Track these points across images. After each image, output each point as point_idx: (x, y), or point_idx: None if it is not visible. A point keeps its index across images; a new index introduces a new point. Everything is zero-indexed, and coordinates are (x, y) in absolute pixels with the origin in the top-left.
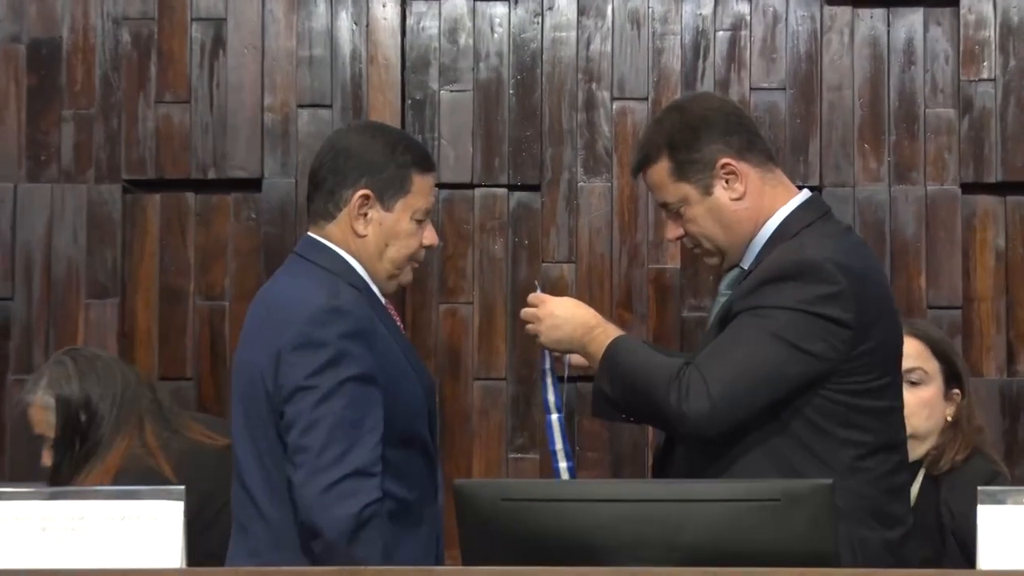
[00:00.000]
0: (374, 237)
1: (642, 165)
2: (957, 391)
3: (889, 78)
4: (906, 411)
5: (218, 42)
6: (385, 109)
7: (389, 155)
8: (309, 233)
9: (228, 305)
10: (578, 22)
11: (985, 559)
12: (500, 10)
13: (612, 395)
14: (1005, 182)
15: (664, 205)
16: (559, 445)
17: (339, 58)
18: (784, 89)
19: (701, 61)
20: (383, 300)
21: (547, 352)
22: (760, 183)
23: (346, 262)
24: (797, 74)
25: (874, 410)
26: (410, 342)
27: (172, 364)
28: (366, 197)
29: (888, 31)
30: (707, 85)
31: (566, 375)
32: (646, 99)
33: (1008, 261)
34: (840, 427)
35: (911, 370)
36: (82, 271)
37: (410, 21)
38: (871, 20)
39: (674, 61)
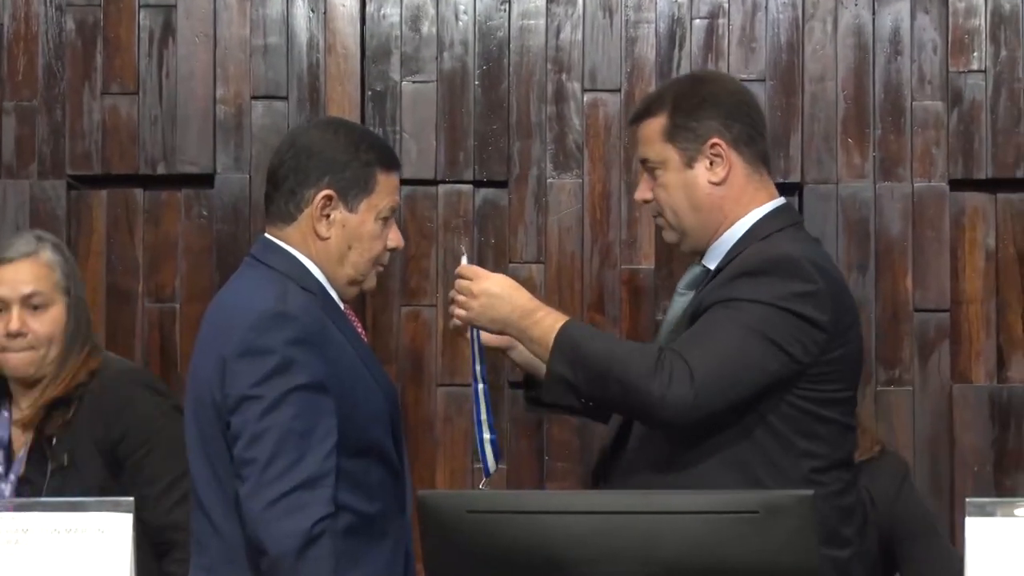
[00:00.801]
0: (336, 240)
1: (642, 116)
2: None
3: (874, 69)
4: None
5: (167, 30)
6: (344, 101)
7: (352, 153)
8: (265, 234)
9: (179, 307)
10: (547, 9)
11: (973, 572)
12: None
13: (575, 380)
14: (995, 179)
15: (644, 161)
16: (484, 415)
17: (295, 47)
18: (764, 80)
19: (677, 51)
20: (341, 305)
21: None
22: (744, 179)
23: (300, 264)
24: (777, 65)
25: (836, 423)
26: (370, 349)
27: None
28: (329, 198)
29: (873, 19)
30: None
31: (476, 349)
32: (619, 91)
33: (998, 262)
34: (801, 437)
35: None
36: None
37: (370, 8)
38: (855, 8)
39: (648, 51)
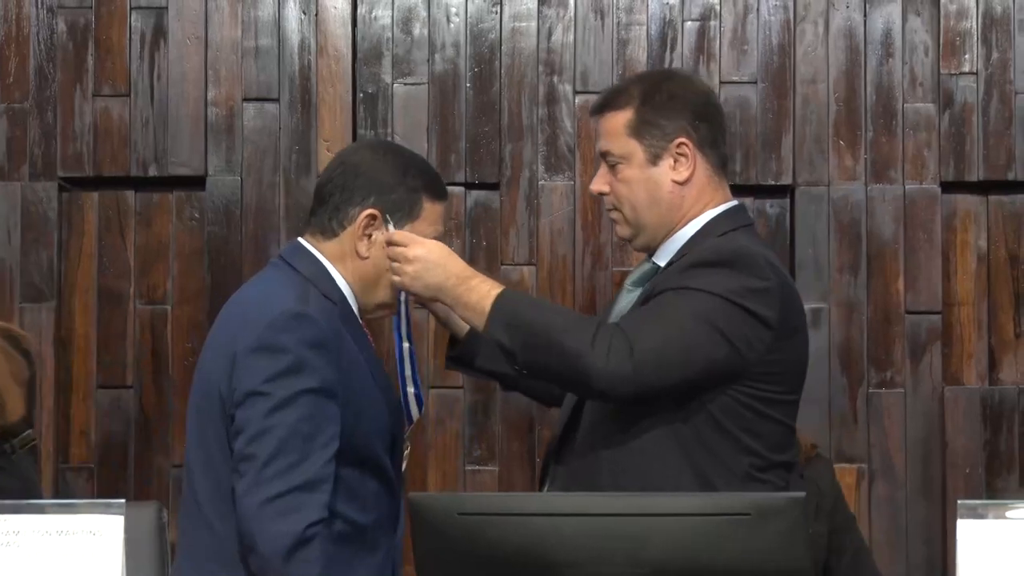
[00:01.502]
0: (375, 260)
1: (606, 108)
2: None
3: (866, 71)
4: None
5: (159, 32)
6: (335, 103)
7: (400, 177)
8: (299, 239)
9: (170, 309)
10: (539, 11)
11: (965, 574)
12: None
13: (511, 347)
14: (987, 181)
15: (604, 154)
16: (409, 372)
17: (287, 49)
18: (755, 83)
19: (668, 53)
20: (360, 319)
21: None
22: (705, 180)
23: (327, 272)
24: (769, 66)
25: (779, 424)
26: (383, 366)
27: (111, 371)
28: (372, 217)
29: (865, 21)
30: None
31: (403, 311)
32: None
33: (990, 264)
34: (744, 433)
35: None
36: (16, 273)
37: (361, 10)
38: (847, 10)
39: (640, 53)
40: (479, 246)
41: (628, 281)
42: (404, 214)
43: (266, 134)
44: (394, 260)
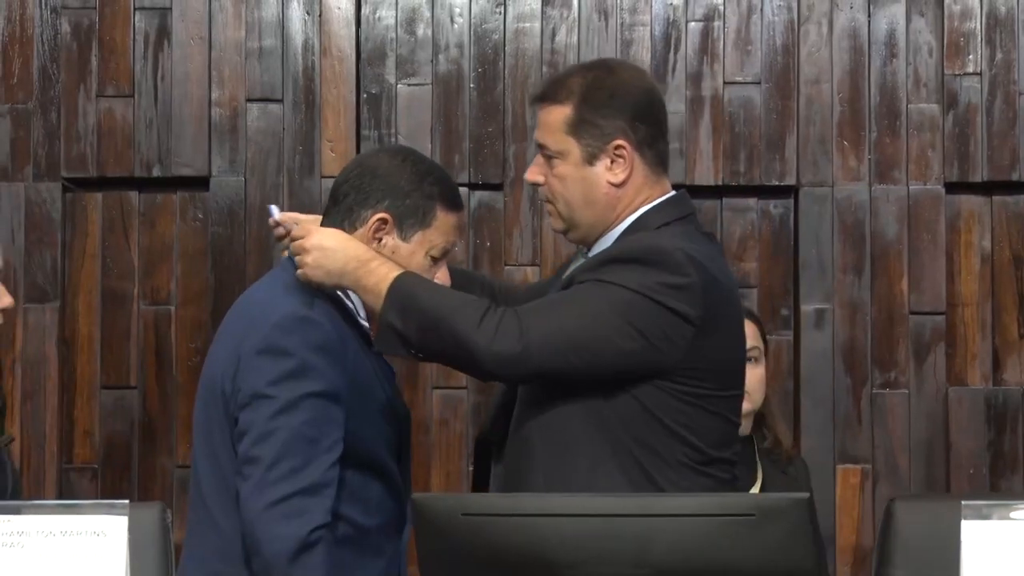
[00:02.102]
0: None
1: (546, 100)
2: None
3: (870, 72)
4: (749, 387)
5: (163, 33)
6: (339, 103)
7: (416, 183)
8: None
9: (174, 310)
10: (542, 12)
11: (969, 575)
12: None
13: (404, 330)
14: (991, 181)
15: (541, 146)
16: None
17: (290, 50)
18: (759, 83)
19: (672, 53)
20: (366, 324)
21: None
22: (642, 180)
23: None
24: (773, 67)
25: (718, 417)
26: (390, 369)
27: (115, 372)
28: (384, 220)
29: (869, 22)
30: (679, 78)
31: None
32: None
33: (994, 264)
34: (681, 428)
35: (751, 348)
36: (20, 274)
37: (365, 11)
38: (851, 11)
39: (644, 53)
40: (483, 247)
41: (562, 276)
42: (417, 221)
43: (270, 134)
44: (296, 254)
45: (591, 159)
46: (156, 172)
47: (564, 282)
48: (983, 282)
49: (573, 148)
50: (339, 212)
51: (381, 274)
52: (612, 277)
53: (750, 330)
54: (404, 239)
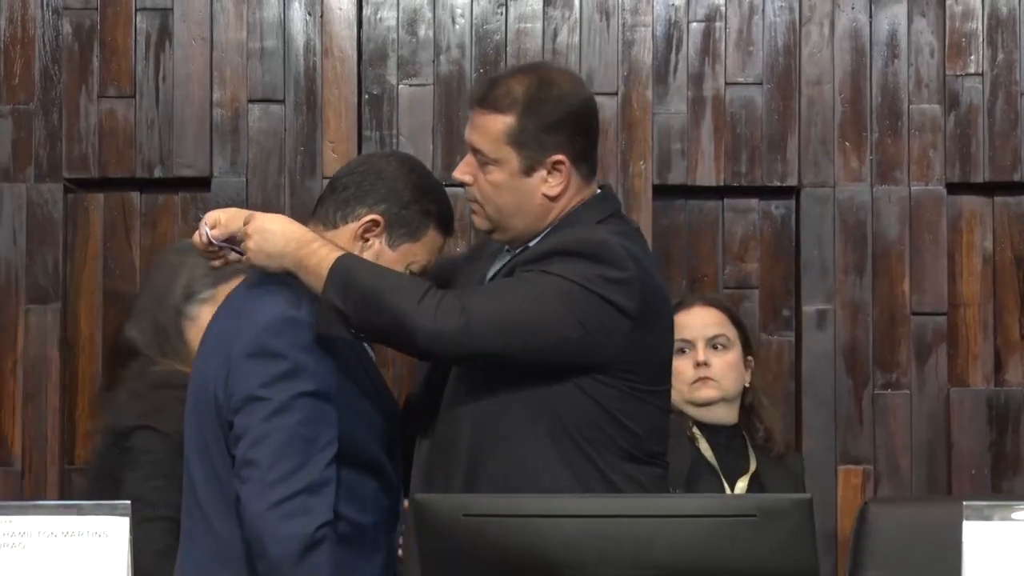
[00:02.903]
0: None
1: (486, 105)
2: (751, 357)
3: (871, 72)
4: (717, 374)
5: (164, 33)
6: (341, 104)
7: (417, 196)
8: None
9: None
10: (544, 12)
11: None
12: (461, 0)
13: (344, 309)
14: (993, 182)
15: (475, 150)
16: None
17: (292, 51)
18: (761, 84)
19: (674, 54)
20: None
21: None
22: (575, 190)
23: None
24: (775, 68)
25: (655, 408)
26: (377, 368)
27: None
28: (375, 222)
29: (870, 23)
30: (680, 79)
31: None
32: (616, 94)
33: (996, 265)
34: (623, 416)
35: (717, 336)
36: (21, 275)
37: (366, 11)
38: (852, 11)
39: (645, 54)
40: None
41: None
42: (408, 232)
43: (271, 135)
44: (241, 242)
45: (528, 171)
46: (158, 173)
47: (504, 273)
48: (985, 283)
49: (511, 158)
50: (334, 202)
51: (322, 255)
52: (555, 268)
53: (717, 317)
54: (391, 246)
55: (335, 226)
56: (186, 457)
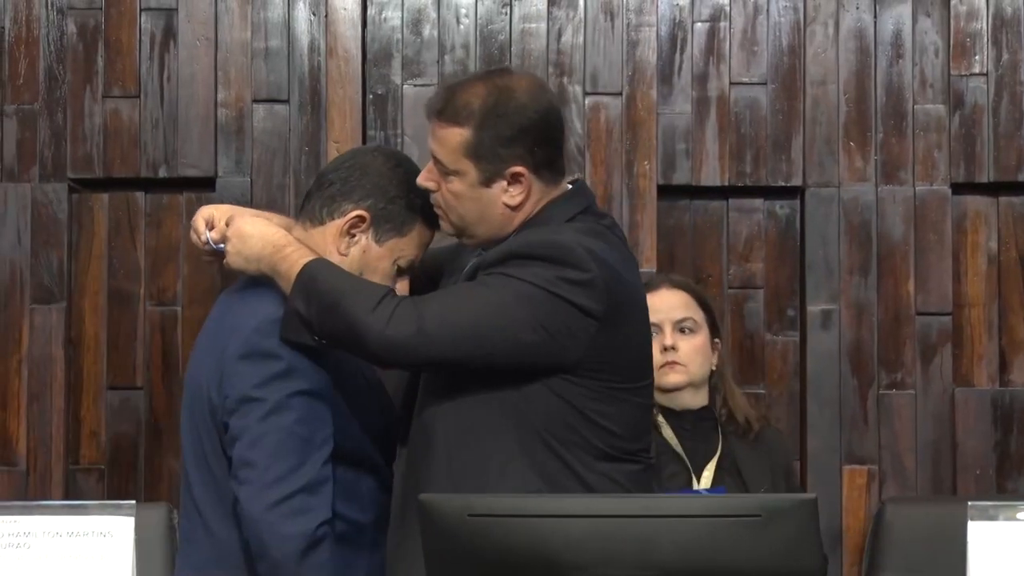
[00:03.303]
0: (351, 261)
1: (444, 117)
2: (718, 340)
3: (876, 72)
4: (684, 358)
5: (169, 33)
6: (345, 104)
7: (404, 191)
8: None
9: (180, 311)
10: (548, 13)
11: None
12: (466, 0)
13: (307, 315)
14: (997, 182)
15: (435, 160)
16: None
17: (296, 51)
18: (765, 84)
19: (678, 54)
20: None
21: None
22: (539, 196)
23: None
24: (779, 68)
25: (632, 405)
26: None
27: (121, 372)
28: (361, 218)
29: (875, 23)
30: (684, 79)
31: None
32: (620, 94)
33: (1000, 265)
34: (596, 415)
35: (684, 319)
36: (26, 275)
37: (371, 11)
38: (857, 11)
39: (650, 54)
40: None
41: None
42: (394, 227)
43: (276, 135)
44: (220, 243)
45: (487, 182)
46: (162, 173)
47: (467, 275)
48: (989, 283)
49: (470, 170)
50: (320, 198)
51: (293, 260)
52: (516, 272)
53: (683, 299)
54: (377, 242)
55: (322, 222)
56: (182, 461)
